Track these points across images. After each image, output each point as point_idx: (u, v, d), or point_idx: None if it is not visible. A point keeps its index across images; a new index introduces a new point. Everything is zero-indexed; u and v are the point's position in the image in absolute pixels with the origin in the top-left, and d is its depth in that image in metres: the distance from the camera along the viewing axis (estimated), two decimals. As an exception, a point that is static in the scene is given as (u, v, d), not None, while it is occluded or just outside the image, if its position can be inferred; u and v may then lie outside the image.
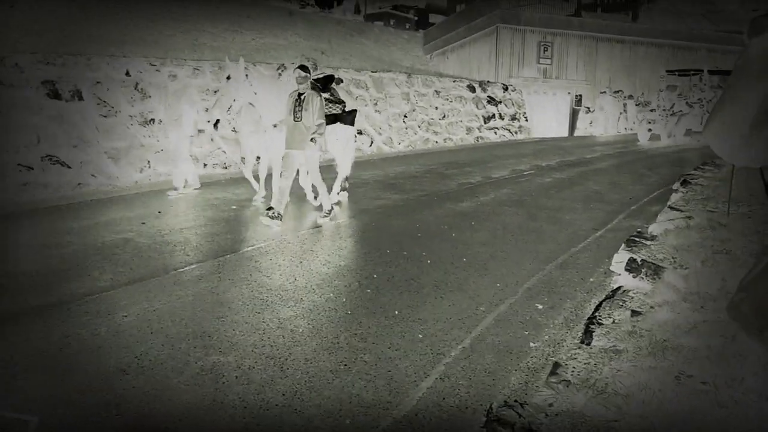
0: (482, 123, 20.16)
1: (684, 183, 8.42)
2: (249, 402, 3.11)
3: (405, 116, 17.10)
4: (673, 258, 4.83)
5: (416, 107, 17.61)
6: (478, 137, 19.76)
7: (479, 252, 6.07)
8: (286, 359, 3.61)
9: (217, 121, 8.56)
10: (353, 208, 8.19)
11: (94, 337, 3.89)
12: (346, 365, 3.55)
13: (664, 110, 20.67)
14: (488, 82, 21.63)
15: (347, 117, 7.91)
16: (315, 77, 7.32)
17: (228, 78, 8.05)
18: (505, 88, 21.76)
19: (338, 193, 8.38)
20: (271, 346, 3.79)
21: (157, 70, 11.37)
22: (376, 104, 16.20)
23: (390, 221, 7.40)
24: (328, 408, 3.08)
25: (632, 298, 4.22)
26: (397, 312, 4.40)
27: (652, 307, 3.97)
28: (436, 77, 19.72)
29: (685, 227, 5.69)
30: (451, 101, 19.08)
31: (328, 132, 7.40)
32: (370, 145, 15.65)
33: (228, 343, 3.81)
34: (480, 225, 7.26)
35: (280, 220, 6.78)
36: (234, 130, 10.81)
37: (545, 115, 22.49)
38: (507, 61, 24.17)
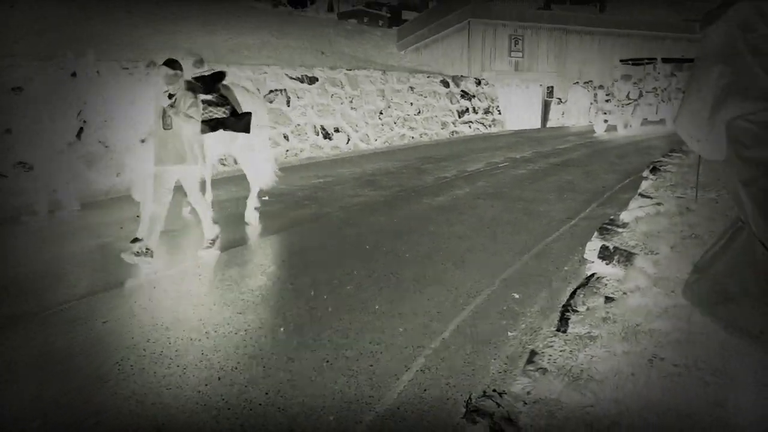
0: (456, 117, 20.29)
1: (653, 170, 8.60)
2: (232, 403, 3.14)
3: (381, 113, 17.14)
4: (644, 244, 4.95)
5: (391, 103, 17.67)
6: (453, 131, 19.88)
7: (456, 245, 6.15)
8: (269, 359, 3.64)
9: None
10: (333, 204, 8.21)
11: (73, 344, 3.88)
12: (328, 362, 3.59)
13: (619, 101, 20.47)
14: (461, 76, 21.76)
15: (236, 122, 6.37)
16: (199, 74, 6.33)
17: (73, 75, 7.47)
18: (478, 82, 21.91)
19: (255, 209, 7.24)
20: (254, 346, 3.82)
21: (129, 74, 11.23)
22: (351, 101, 16.22)
23: (369, 218, 7.45)
24: (312, 405, 3.12)
25: (606, 284, 4.33)
26: (377, 307, 4.45)
27: (624, 293, 4.08)
28: (411, 73, 19.78)
29: (655, 214, 5.83)
30: (426, 97, 19.17)
31: (225, 139, 6.55)
32: (347, 143, 15.67)
33: (210, 345, 3.83)
34: (456, 218, 7.34)
35: (151, 256, 5.41)
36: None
37: (518, 108, 22.70)
38: (479, 56, 24.36)
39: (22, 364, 3.63)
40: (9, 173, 8.94)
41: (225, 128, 6.31)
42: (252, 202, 7.28)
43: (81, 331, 4.08)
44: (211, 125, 6.14)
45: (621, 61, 23.32)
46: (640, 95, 20.69)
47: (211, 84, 6.32)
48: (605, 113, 20.20)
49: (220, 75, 6.55)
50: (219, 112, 6.33)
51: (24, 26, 12.38)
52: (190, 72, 6.18)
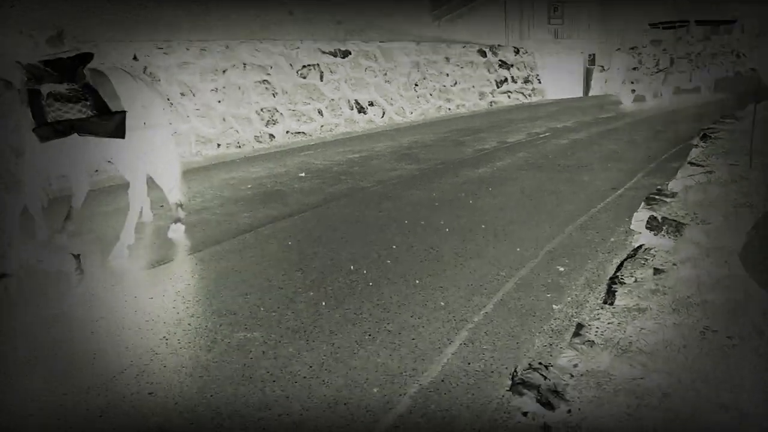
0: (495, 87, 19.90)
1: (704, 137, 8.28)
2: (277, 375, 3.17)
3: (416, 85, 16.93)
4: (694, 214, 4.78)
5: (427, 75, 17.42)
6: (491, 102, 19.52)
7: (497, 218, 6.05)
8: (311, 332, 3.66)
9: None
10: (370, 179, 8.16)
11: (123, 319, 3.97)
12: (370, 335, 3.59)
13: (647, 68, 18.74)
14: (499, 45, 21.26)
15: (101, 124, 4.66)
16: (53, 56, 4.69)
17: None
18: (517, 51, 21.39)
19: (174, 223, 5.89)
20: (296, 319, 3.84)
21: (164, 53, 11.36)
22: (385, 74, 16.05)
23: (406, 191, 7.39)
24: (355, 378, 3.12)
25: (654, 256, 4.20)
26: (417, 281, 4.42)
27: (674, 265, 3.95)
28: (446, 44, 19.42)
29: (706, 182, 5.61)
30: (462, 67, 18.83)
31: (90, 148, 4.84)
32: (382, 116, 15.56)
33: (253, 320, 3.87)
34: (497, 190, 7.22)
35: None
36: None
37: (559, 76, 22.09)
38: (517, 24, 23.71)
39: (77, 339, 3.73)
40: None
41: (84, 132, 4.59)
42: (173, 214, 5.94)
43: (130, 305, 4.18)
44: (59, 129, 4.44)
45: (650, 24, 21.08)
46: (672, 62, 18.93)
47: (70, 70, 4.65)
48: (633, 82, 18.60)
49: (85, 57, 4.81)
50: (74, 111, 4.56)
51: (29, 15, 12.54)
52: (40, 52, 4.90)
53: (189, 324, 3.84)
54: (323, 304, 4.07)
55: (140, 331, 3.78)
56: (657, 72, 18.49)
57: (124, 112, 4.80)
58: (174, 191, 5.84)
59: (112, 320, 3.97)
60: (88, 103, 4.62)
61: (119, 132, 4.77)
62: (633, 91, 18.52)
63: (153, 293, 4.41)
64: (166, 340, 3.63)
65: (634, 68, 18.63)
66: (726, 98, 17.81)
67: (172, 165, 5.76)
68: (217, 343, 3.56)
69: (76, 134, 4.55)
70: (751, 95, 9.31)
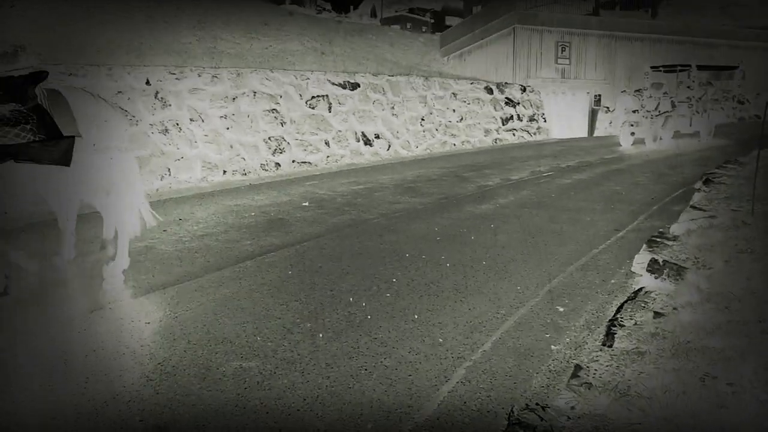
0: (500, 125, 20.08)
1: (706, 182, 8.31)
2: (271, 407, 3.14)
3: (422, 119, 17.10)
4: (696, 258, 4.77)
5: (433, 110, 17.60)
6: (496, 139, 19.68)
7: (499, 255, 6.04)
8: (307, 364, 3.63)
9: None
10: (373, 211, 8.18)
11: (118, 344, 3.95)
12: (366, 370, 3.56)
13: (648, 111, 18.25)
14: (506, 83, 21.53)
15: (44, 150, 4.12)
16: (5, 74, 4.26)
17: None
18: (523, 89, 21.64)
19: (108, 264, 5.22)
20: (292, 351, 3.81)
21: (176, 79, 11.53)
22: (393, 108, 16.23)
23: (409, 225, 7.40)
24: (350, 413, 3.09)
25: (654, 299, 4.18)
26: (416, 316, 4.40)
27: (675, 309, 3.92)
28: (453, 80, 19.68)
29: (708, 227, 5.61)
30: (469, 103, 19.04)
31: (35, 176, 4.28)
32: (388, 149, 15.68)
33: (249, 349, 3.84)
34: (500, 227, 7.23)
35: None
36: None
37: (564, 116, 22.29)
38: (525, 62, 24.04)
39: (73, 362, 3.70)
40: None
41: (23, 159, 4.04)
42: (117, 261, 5.20)
43: (127, 330, 4.16)
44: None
45: (652, 67, 20.75)
46: (673, 106, 18.53)
47: (20, 89, 4.18)
48: (632, 125, 18.16)
49: (38, 76, 4.32)
50: (11, 135, 3.97)
51: (43, 37, 12.80)
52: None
53: (185, 351, 3.81)
54: (321, 336, 4.05)
55: (135, 356, 3.76)
56: (657, 115, 18.14)
57: (72, 138, 4.30)
58: (124, 222, 5.22)
59: (107, 344, 3.95)
60: (30, 126, 4.08)
61: (65, 159, 4.23)
62: (632, 134, 18.19)
63: (150, 318, 4.39)
64: (161, 366, 3.60)
65: (635, 111, 18.35)
66: (727, 144, 17.76)
67: (124, 192, 5.13)
68: (212, 372, 3.54)
69: (22, 160, 4.02)
70: (755, 141, 9.37)
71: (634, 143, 18.11)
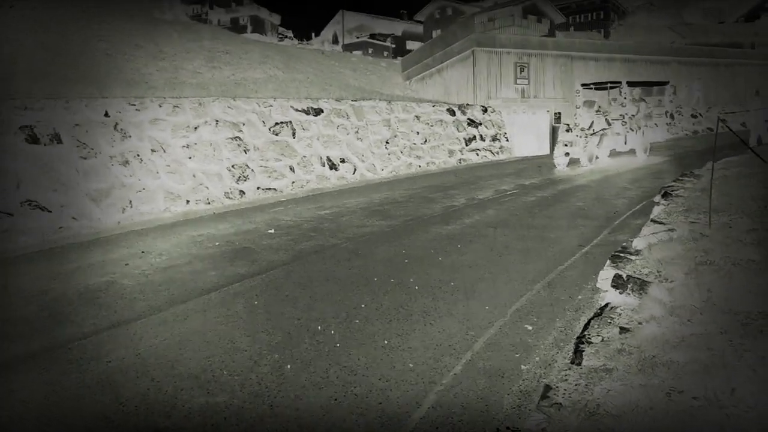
0: (464, 145, 20.32)
1: (665, 195, 8.51)
2: (238, 444, 3.05)
3: (387, 142, 17.20)
4: (658, 272, 4.85)
5: (398, 133, 17.74)
6: (460, 159, 19.90)
7: (467, 275, 6.06)
8: (275, 397, 3.55)
9: None
10: (340, 235, 8.15)
11: (79, 384, 3.81)
12: (336, 400, 3.50)
13: (582, 129, 17.23)
14: (467, 104, 21.87)
15: None
16: None
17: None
18: (485, 110, 22.00)
19: None
20: (260, 383, 3.73)
21: (137, 110, 11.38)
22: (357, 132, 16.30)
23: (376, 248, 7.38)
24: (320, 445, 3.02)
25: (620, 314, 4.22)
26: (386, 342, 4.36)
27: (639, 323, 3.97)
28: (416, 103, 19.90)
29: (668, 240, 5.73)
30: (432, 125, 19.25)
31: None
32: (354, 173, 15.70)
33: (215, 384, 3.75)
34: (466, 247, 7.26)
35: None
36: None
37: (526, 135, 22.71)
38: (485, 83, 24.50)
39: (30, 403, 3.56)
40: (16, 212, 8.98)
41: None
42: None
43: (87, 369, 4.02)
44: None
45: (582, 85, 19.78)
46: (608, 123, 17.83)
47: None
48: (566, 144, 16.93)
49: None
50: None
51: (26, 64, 12.59)
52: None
53: (148, 389, 3.70)
54: (289, 367, 3.98)
55: (95, 397, 3.62)
56: (592, 134, 17.29)
57: None
58: None
59: (66, 385, 3.80)
60: None
61: None
62: (566, 154, 16.95)
63: (111, 357, 4.25)
64: (123, 406, 3.48)
65: (568, 130, 17.52)
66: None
67: None
68: (177, 409, 3.43)
69: None
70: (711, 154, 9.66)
71: (570, 164, 17.12)
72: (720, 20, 54.12)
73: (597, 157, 17.62)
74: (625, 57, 28.72)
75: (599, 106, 18.23)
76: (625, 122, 18.20)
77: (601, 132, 17.56)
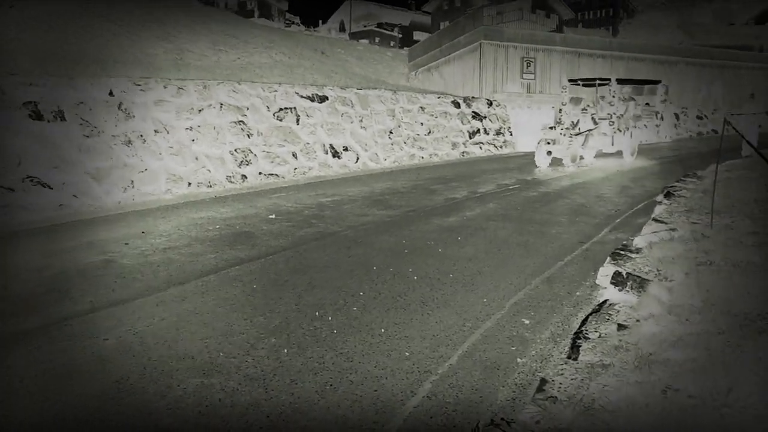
0: (467, 138, 20.28)
1: (667, 195, 8.49)
2: (233, 425, 3.05)
3: (390, 132, 17.16)
4: (657, 270, 4.85)
5: (402, 123, 17.69)
6: (463, 152, 19.86)
7: (466, 267, 6.05)
8: (271, 381, 3.55)
9: None
10: (341, 223, 8.14)
11: (74, 362, 3.81)
12: (331, 386, 3.50)
13: (567, 128, 16.27)
14: (472, 97, 21.80)
15: None
16: None
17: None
18: (490, 104, 21.93)
19: None
20: (255, 367, 3.73)
21: (141, 90, 11.34)
22: (361, 121, 16.25)
23: (376, 238, 7.37)
24: (314, 429, 3.03)
25: (618, 311, 4.22)
26: (383, 330, 4.36)
27: (638, 321, 3.97)
28: (421, 93, 19.84)
29: (669, 239, 5.72)
30: (436, 117, 19.19)
31: None
32: (356, 162, 15.67)
33: (211, 365, 3.75)
34: (466, 240, 7.25)
35: None
36: None
37: (530, 129, 22.62)
38: (491, 77, 24.39)
39: (26, 380, 3.56)
40: (17, 188, 8.96)
41: None
42: None
43: (83, 347, 4.03)
44: None
45: (570, 80, 18.96)
46: (594, 123, 16.85)
47: None
48: (548, 143, 15.94)
49: None
50: None
51: (3, 47, 12.55)
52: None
53: (144, 368, 3.70)
54: (285, 351, 3.98)
55: (92, 374, 3.63)
56: (577, 134, 16.29)
57: None
58: None
59: (64, 361, 3.81)
60: None
61: None
62: (549, 153, 16.04)
63: (109, 335, 4.26)
64: (119, 384, 3.49)
65: (551, 127, 16.46)
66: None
67: None
68: (173, 389, 3.43)
69: None
70: (716, 155, 9.63)
71: (551, 164, 16.34)
72: (730, 22, 53.82)
73: (582, 158, 16.61)
74: (633, 55, 28.58)
75: (587, 105, 17.28)
76: (613, 122, 17.22)
77: (587, 132, 16.63)
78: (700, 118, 31.63)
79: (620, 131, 17.55)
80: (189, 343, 4.10)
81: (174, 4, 26.20)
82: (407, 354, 3.95)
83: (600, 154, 17.90)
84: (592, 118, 16.89)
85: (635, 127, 18.33)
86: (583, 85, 18.80)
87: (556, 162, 16.46)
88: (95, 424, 3.06)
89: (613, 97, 17.43)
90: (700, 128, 31.27)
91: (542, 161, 16.14)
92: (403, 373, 3.67)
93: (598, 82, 18.19)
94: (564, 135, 15.93)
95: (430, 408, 3.26)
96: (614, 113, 17.32)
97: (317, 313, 4.69)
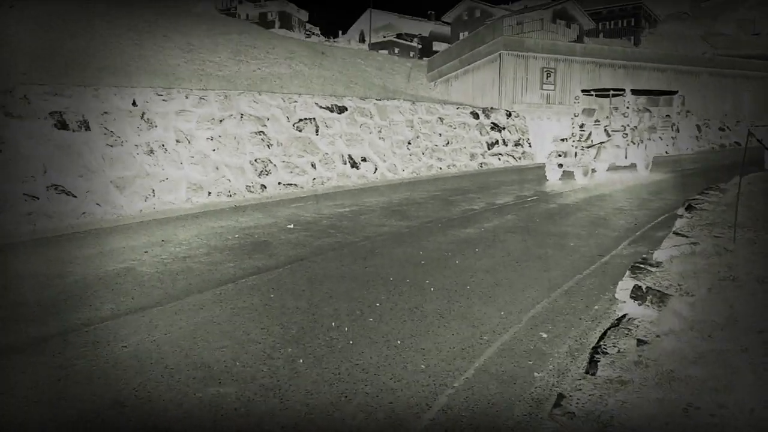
0: (486, 149, 20.22)
1: (689, 208, 8.37)
2: (247, 436, 3.06)
3: (409, 143, 17.19)
4: (678, 285, 4.77)
5: (420, 134, 17.71)
6: (481, 163, 19.80)
7: (483, 279, 6.02)
8: (286, 391, 3.55)
9: None
10: (358, 234, 8.15)
11: (93, 368, 3.86)
12: (347, 397, 3.49)
13: (578, 140, 15.74)
14: (492, 108, 21.76)
15: None
16: None
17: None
18: (509, 115, 21.87)
19: None
20: (271, 377, 3.74)
21: (163, 100, 11.51)
22: (380, 131, 16.30)
23: (394, 248, 7.37)
24: (328, 442, 3.02)
25: (638, 326, 4.16)
26: (399, 342, 4.35)
27: (658, 336, 3.91)
28: (440, 104, 19.86)
29: (691, 253, 5.63)
30: (455, 128, 19.18)
31: None
32: (374, 172, 15.71)
33: (228, 374, 3.77)
34: (484, 252, 7.21)
35: None
36: None
37: (549, 141, 22.48)
38: (510, 88, 24.34)
39: (44, 385, 3.61)
40: (41, 195, 9.12)
41: None
42: None
43: (102, 354, 4.07)
44: None
45: (583, 91, 18.37)
46: (608, 135, 16.36)
47: None
48: (559, 155, 15.38)
49: None
50: None
51: (31, 58, 12.81)
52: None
53: (161, 376, 3.73)
54: (301, 361, 3.98)
55: (109, 381, 3.66)
56: (589, 146, 15.73)
57: None
58: None
59: (81, 368, 3.85)
60: None
61: None
62: (560, 165, 15.47)
63: (127, 342, 4.30)
64: (136, 392, 3.51)
65: (563, 139, 15.95)
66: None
67: None
68: (189, 398, 3.45)
69: None
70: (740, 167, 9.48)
71: (562, 177, 15.86)
72: (754, 32, 53.14)
73: (594, 171, 16.16)
74: (655, 66, 28.34)
75: (598, 117, 16.76)
76: (627, 134, 16.63)
77: (600, 144, 16.06)
78: (723, 130, 31.21)
79: (634, 143, 17.03)
80: (206, 351, 4.13)
81: (196, 15, 26.61)
82: (423, 366, 3.93)
83: (613, 167, 17.39)
84: (605, 130, 16.44)
85: (650, 139, 17.86)
86: (597, 96, 18.28)
87: (567, 175, 16.03)
88: (111, 431, 3.08)
89: (627, 108, 16.91)
90: (722, 140, 30.85)
91: (553, 175, 15.67)
92: (419, 386, 3.65)
93: (612, 92, 17.65)
94: (575, 147, 15.41)
95: (446, 422, 3.23)
96: (628, 125, 16.79)
97: (333, 324, 4.69)
